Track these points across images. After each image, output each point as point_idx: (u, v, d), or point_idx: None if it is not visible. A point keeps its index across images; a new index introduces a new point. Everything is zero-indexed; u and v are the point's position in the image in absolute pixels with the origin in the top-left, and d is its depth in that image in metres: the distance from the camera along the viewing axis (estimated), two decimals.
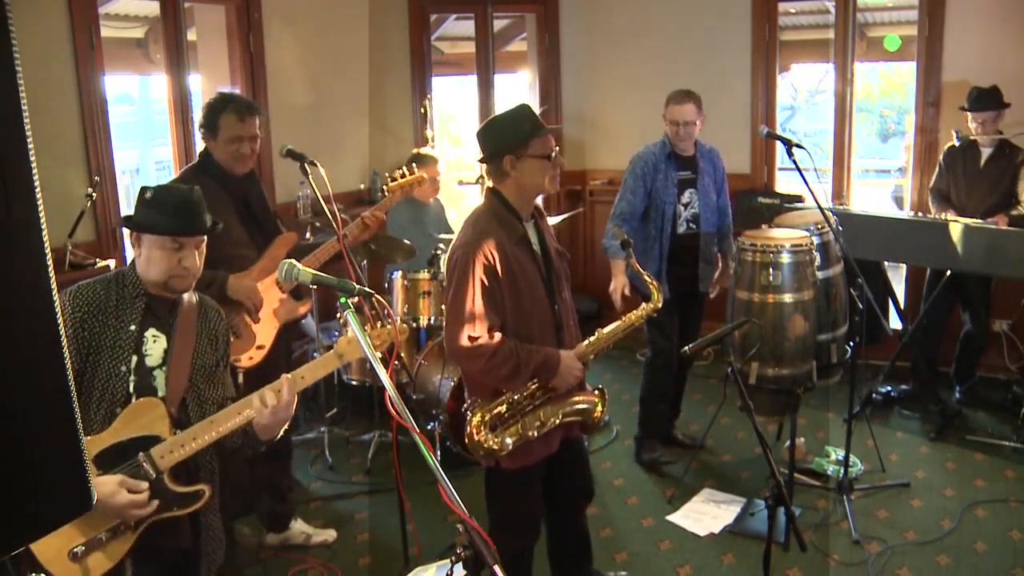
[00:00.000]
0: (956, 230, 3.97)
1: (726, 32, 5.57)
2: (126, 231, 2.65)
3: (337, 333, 4.45)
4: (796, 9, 6.91)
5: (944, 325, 4.61)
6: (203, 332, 2.26)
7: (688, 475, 3.94)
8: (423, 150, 4.78)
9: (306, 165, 3.02)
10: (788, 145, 3.38)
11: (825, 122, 7.06)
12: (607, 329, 2.69)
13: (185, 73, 4.49)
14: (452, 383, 3.92)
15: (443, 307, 2.90)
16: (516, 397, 2.53)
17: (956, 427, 4.34)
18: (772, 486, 2.34)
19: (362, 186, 5.61)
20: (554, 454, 2.67)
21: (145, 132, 8.51)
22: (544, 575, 2.95)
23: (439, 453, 4.03)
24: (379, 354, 1.80)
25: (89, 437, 1.98)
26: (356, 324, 1.82)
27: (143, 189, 2.20)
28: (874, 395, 4.57)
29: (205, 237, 2.23)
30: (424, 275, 4.21)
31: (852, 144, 5.51)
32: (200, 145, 3.20)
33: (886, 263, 4.76)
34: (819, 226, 3.80)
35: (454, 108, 10.12)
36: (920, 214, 4.54)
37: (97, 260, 3.74)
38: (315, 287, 2.27)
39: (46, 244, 0.82)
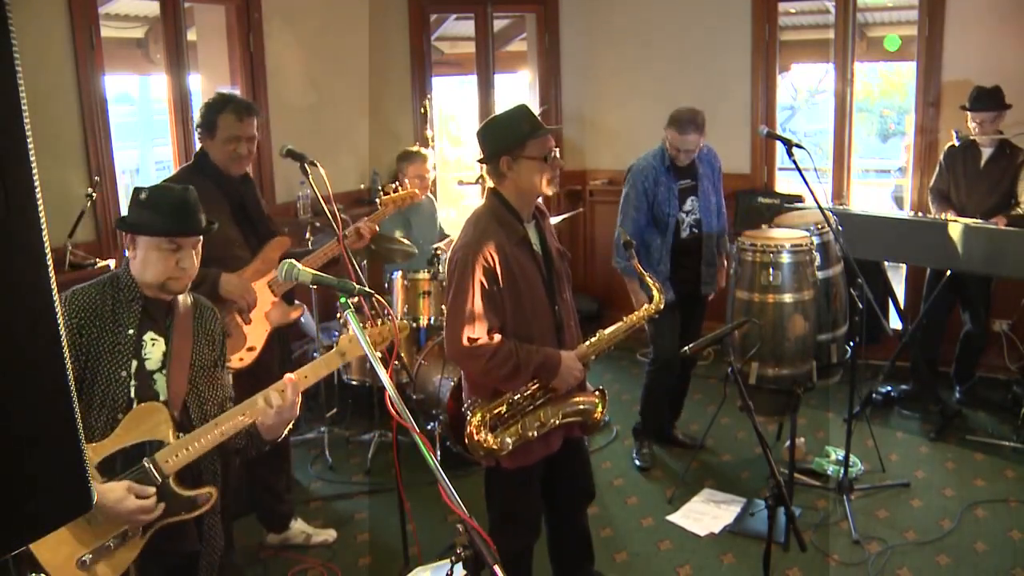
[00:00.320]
0: (956, 230, 3.96)
1: (726, 32, 5.57)
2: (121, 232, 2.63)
3: (337, 333, 4.44)
4: (796, 9, 6.91)
5: (944, 325, 4.61)
6: (200, 333, 2.25)
7: (688, 475, 3.94)
8: (412, 148, 4.76)
9: (306, 165, 3.02)
10: (788, 145, 3.37)
11: (825, 122, 7.06)
12: (608, 330, 2.69)
13: (185, 73, 4.49)
14: (452, 383, 3.92)
15: (443, 307, 2.90)
16: (516, 397, 2.53)
17: (956, 427, 4.34)
18: (772, 486, 2.34)
19: (362, 186, 5.61)
20: (555, 454, 2.67)
21: (145, 132, 8.51)
22: (544, 575, 2.95)
23: (439, 453, 4.02)
24: (379, 354, 1.80)
25: (92, 444, 1.97)
26: (356, 324, 1.82)
27: (137, 190, 2.17)
28: (874, 395, 4.57)
29: (201, 237, 2.20)
30: (424, 275, 4.21)
31: (852, 144, 5.51)
32: (199, 145, 3.20)
33: (886, 263, 4.75)
34: (819, 226, 3.80)
35: (454, 108, 10.12)
36: (920, 214, 4.54)
37: (97, 260, 3.73)
38: (315, 287, 2.27)
39: (46, 244, 0.81)
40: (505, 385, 2.52)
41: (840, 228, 3.61)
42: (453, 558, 1.54)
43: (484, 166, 2.60)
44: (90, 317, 2.07)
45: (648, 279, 2.86)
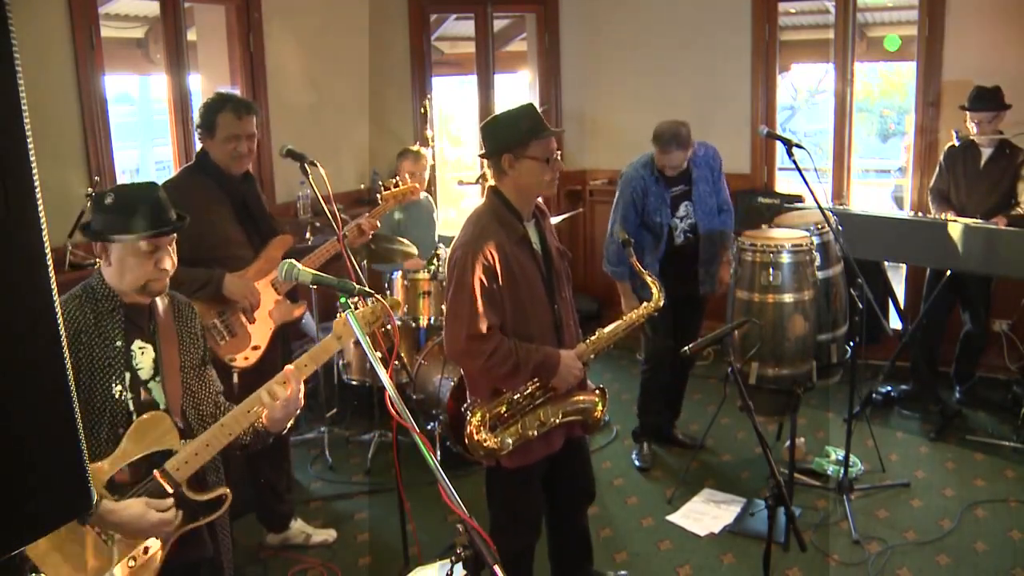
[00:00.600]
0: (956, 230, 3.96)
1: (726, 32, 5.57)
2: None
3: None
4: (796, 9, 6.91)
5: (944, 325, 4.61)
6: (184, 332, 2.20)
7: (688, 475, 3.94)
8: (412, 147, 4.77)
9: (306, 165, 3.02)
10: (788, 145, 3.37)
11: (825, 122, 7.06)
12: (607, 329, 2.70)
13: (185, 73, 4.49)
14: (452, 383, 3.92)
15: (443, 307, 2.90)
16: (516, 397, 2.53)
17: (956, 427, 4.34)
18: (772, 486, 2.34)
19: (362, 186, 5.61)
20: (555, 454, 2.67)
21: (145, 132, 8.52)
22: (544, 575, 2.95)
23: (439, 453, 4.02)
24: (379, 354, 1.80)
25: (96, 464, 1.92)
26: (356, 324, 1.82)
27: (100, 195, 2.07)
28: (874, 395, 4.56)
29: (176, 235, 2.11)
30: (424, 275, 4.21)
31: (852, 144, 5.51)
32: (200, 145, 3.20)
33: (886, 263, 4.75)
34: (819, 226, 3.80)
35: (454, 108, 10.13)
36: (920, 214, 4.53)
37: (97, 260, 3.73)
38: (315, 287, 2.26)
39: (46, 244, 0.82)
40: (505, 384, 2.52)
41: (840, 228, 3.61)
42: (453, 558, 1.54)
43: (485, 161, 2.60)
44: (74, 334, 1.99)
45: (647, 277, 2.86)
